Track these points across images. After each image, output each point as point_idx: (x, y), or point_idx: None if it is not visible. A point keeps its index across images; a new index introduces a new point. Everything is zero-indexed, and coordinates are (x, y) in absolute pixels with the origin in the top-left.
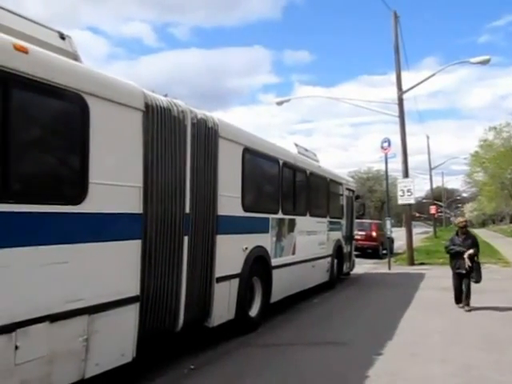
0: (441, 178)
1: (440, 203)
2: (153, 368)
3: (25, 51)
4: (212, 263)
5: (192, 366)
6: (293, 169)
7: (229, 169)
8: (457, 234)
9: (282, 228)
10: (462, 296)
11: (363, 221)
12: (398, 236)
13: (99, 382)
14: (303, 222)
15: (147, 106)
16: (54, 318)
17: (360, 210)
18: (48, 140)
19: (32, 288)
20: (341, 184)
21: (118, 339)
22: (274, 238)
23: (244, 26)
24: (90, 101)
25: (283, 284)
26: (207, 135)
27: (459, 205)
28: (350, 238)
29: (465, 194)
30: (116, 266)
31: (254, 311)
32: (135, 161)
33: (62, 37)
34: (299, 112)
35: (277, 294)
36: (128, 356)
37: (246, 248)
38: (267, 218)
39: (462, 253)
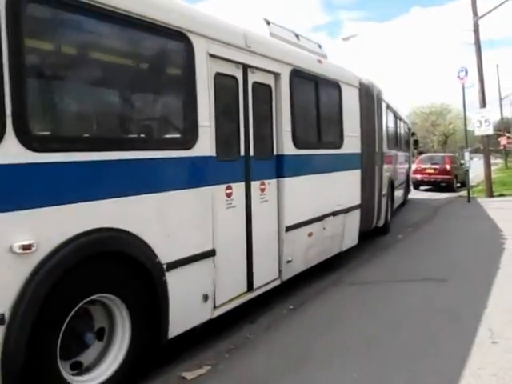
0: (508, 109)
1: (509, 134)
2: (252, 309)
3: (320, 62)
4: (381, 185)
5: (291, 307)
6: (393, 115)
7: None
8: None
9: (394, 160)
10: None
11: (435, 154)
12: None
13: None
14: (400, 155)
15: (360, 84)
16: (334, 214)
17: (415, 145)
18: (326, 113)
19: (327, 197)
20: (406, 123)
21: (352, 230)
22: (393, 167)
23: None
24: (341, 85)
25: (395, 201)
26: (380, 100)
27: None
28: (410, 168)
29: None
30: (352, 186)
31: (388, 220)
32: (357, 120)
33: (319, 46)
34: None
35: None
36: (355, 241)
37: (389, 175)
38: (390, 153)
39: None
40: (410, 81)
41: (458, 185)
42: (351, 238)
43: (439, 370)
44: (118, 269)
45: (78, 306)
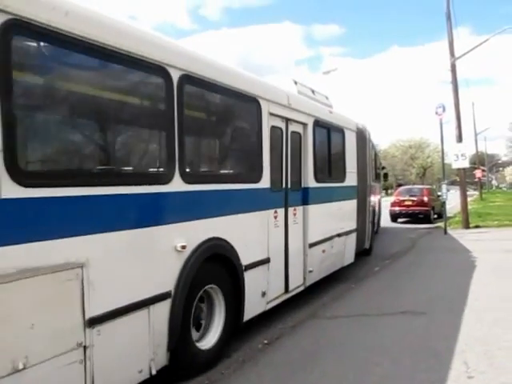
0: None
1: (483, 167)
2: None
3: (331, 112)
4: (369, 213)
5: (265, 341)
6: (374, 151)
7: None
8: None
9: (374, 191)
10: None
11: (414, 186)
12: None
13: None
14: (377, 186)
15: (357, 128)
16: (339, 235)
17: (384, 177)
18: (334, 153)
19: (334, 222)
20: (379, 158)
21: (351, 249)
22: (374, 198)
23: (271, 2)
24: (345, 130)
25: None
26: (370, 141)
27: (500, 168)
28: (381, 198)
29: (505, 158)
30: (351, 212)
31: (372, 243)
32: (354, 158)
33: (327, 97)
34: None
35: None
36: (352, 259)
37: (372, 204)
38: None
39: None
40: (389, 115)
41: (435, 216)
42: (350, 256)
43: None
44: (221, 266)
45: (203, 290)
